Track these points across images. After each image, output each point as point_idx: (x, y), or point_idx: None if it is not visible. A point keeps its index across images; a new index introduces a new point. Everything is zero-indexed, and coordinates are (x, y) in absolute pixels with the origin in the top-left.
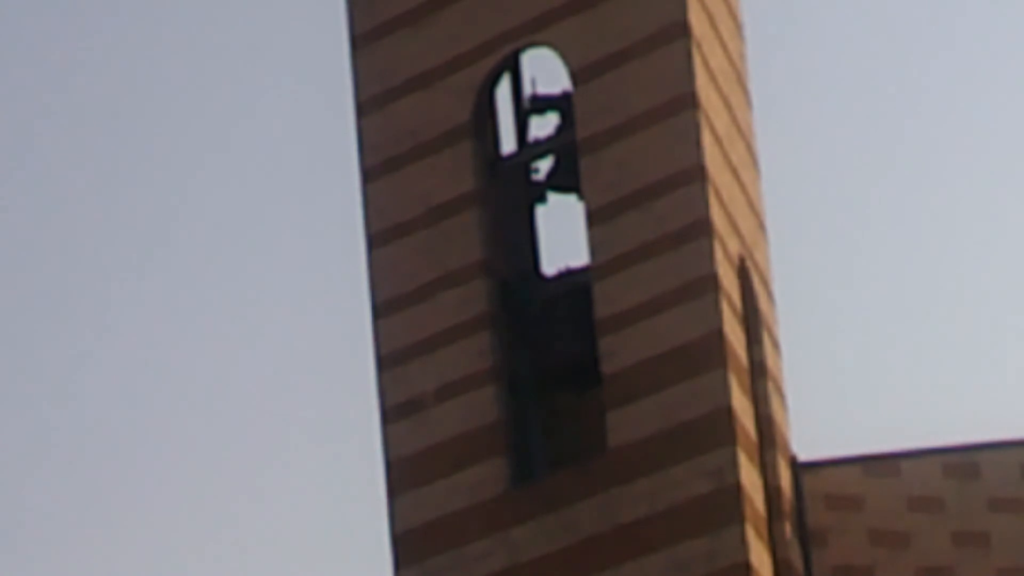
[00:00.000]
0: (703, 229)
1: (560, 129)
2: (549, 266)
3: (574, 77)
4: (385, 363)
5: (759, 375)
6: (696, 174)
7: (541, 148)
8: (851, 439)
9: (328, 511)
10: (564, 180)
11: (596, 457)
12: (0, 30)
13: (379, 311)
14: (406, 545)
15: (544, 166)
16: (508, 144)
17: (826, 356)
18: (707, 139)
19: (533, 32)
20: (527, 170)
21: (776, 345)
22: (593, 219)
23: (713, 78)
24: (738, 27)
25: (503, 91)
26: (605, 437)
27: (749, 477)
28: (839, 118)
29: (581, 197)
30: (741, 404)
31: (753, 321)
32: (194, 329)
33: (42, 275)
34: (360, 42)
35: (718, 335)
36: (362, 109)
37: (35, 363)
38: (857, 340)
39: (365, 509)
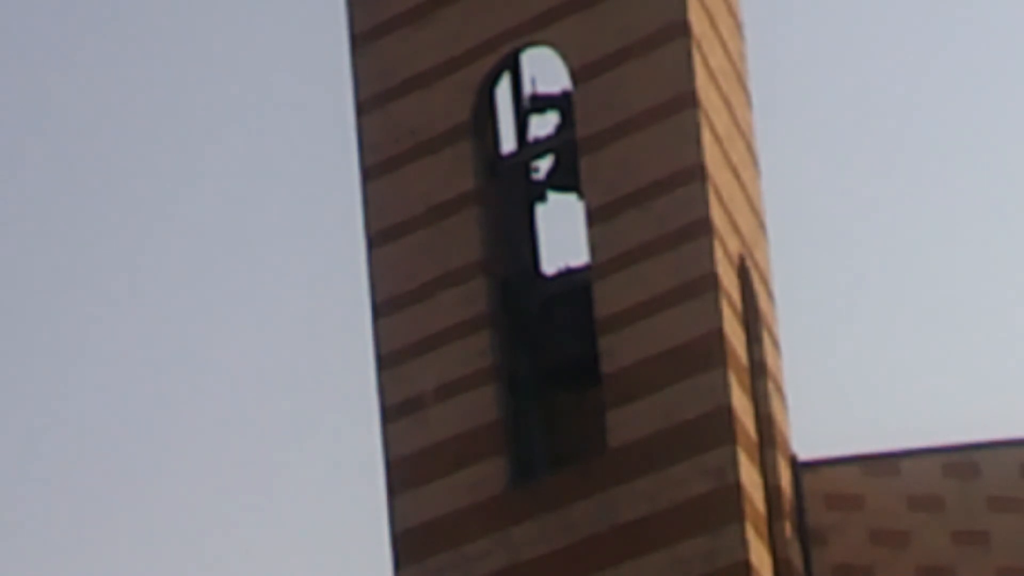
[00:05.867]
0: (703, 228)
1: (560, 128)
2: (549, 265)
3: (574, 76)
4: (385, 362)
5: (759, 374)
6: (696, 173)
7: (541, 147)
8: (851, 439)
9: (328, 511)
10: (564, 179)
11: (596, 457)
12: (0, 29)
13: (379, 311)
14: (406, 545)
15: (544, 165)
16: (508, 143)
17: (826, 356)
18: (707, 138)
19: (533, 31)
20: (527, 169)
21: (776, 345)
22: (593, 218)
23: (713, 77)
24: (738, 26)
25: (503, 90)
26: (605, 437)
27: (749, 476)
28: (839, 118)
29: (581, 196)
30: (741, 403)
31: (753, 321)
32: (194, 329)
33: (41, 275)
34: (360, 41)
35: (718, 334)
36: (362, 108)
37: (34, 363)
38: (857, 340)
39: (365, 509)
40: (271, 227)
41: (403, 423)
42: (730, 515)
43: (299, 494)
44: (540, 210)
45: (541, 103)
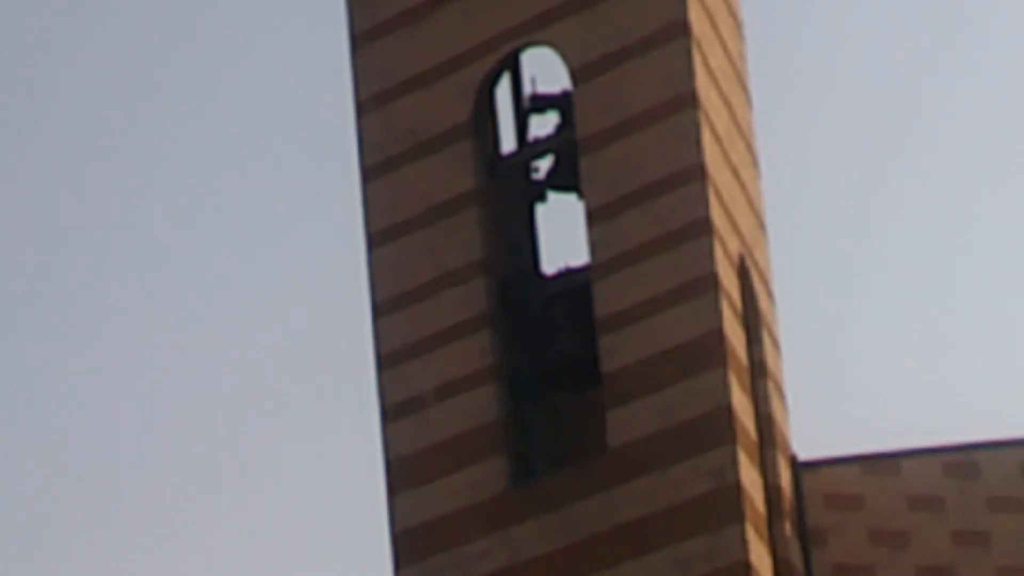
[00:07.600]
0: (703, 228)
1: (560, 128)
2: (549, 265)
3: (574, 76)
4: (385, 362)
5: (759, 374)
6: (696, 173)
7: (541, 147)
8: (851, 439)
9: (328, 511)
10: (564, 179)
11: (596, 457)
12: (0, 29)
13: (379, 310)
14: (406, 544)
15: (544, 165)
16: (508, 143)
17: (826, 356)
18: (707, 138)
19: (533, 31)
20: (527, 169)
21: (776, 345)
22: (593, 218)
23: (713, 77)
24: (738, 26)
25: (503, 90)
26: (605, 437)
27: (749, 476)
28: (839, 118)
29: (581, 196)
30: (741, 403)
31: (753, 320)
32: (194, 329)
33: (42, 275)
34: (360, 41)
35: (718, 334)
36: (362, 108)
37: (35, 363)
38: (857, 340)
39: (365, 509)
40: (271, 227)
41: (403, 423)
42: (730, 515)
43: (299, 494)
44: (540, 210)
45: (541, 103)
